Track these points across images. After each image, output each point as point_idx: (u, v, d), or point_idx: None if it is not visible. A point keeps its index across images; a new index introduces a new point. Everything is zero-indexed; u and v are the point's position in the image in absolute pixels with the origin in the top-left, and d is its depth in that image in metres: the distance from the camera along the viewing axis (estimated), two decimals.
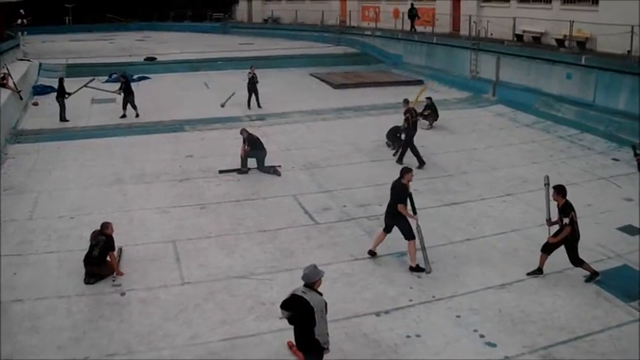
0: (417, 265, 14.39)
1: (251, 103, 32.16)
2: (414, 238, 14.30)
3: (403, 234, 14.42)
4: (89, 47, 55.35)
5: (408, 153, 22.61)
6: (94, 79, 32.63)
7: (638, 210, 18.09)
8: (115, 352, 11.44)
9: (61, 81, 30.04)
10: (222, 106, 31.59)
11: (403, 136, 23.61)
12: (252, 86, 31.92)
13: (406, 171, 14.49)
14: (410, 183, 14.53)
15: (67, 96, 29.43)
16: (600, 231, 16.56)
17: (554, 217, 13.98)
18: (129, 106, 29.82)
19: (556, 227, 13.93)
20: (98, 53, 50.71)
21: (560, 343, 11.69)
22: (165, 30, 73.76)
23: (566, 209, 13.65)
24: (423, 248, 14.44)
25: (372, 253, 15.14)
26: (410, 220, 14.40)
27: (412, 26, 48.34)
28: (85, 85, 31.05)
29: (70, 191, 19.78)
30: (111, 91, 31.02)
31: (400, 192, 14.31)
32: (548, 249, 14.00)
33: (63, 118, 29.43)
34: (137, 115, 29.81)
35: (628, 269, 14.57)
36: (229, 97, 32.09)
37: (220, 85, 38.84)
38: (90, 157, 23.47)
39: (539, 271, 14.17)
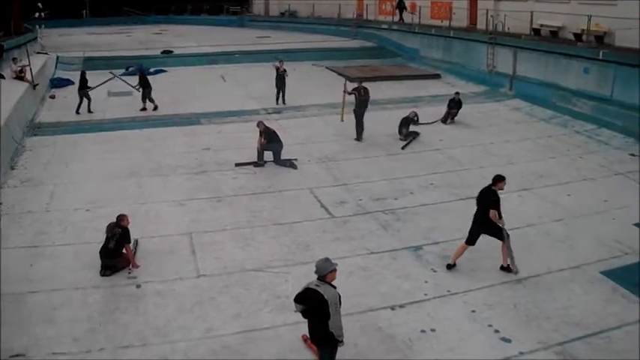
0: (508, 266, 14.18)
1: (279, 99, 31.66)
2: (508, 236, 14.03)
3: (497, 237, 14.06)
4: (106, 40, 55.48)
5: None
6: (113, 77, 32.64)
7: None
8: (130, 344, 11.51)
9: (83, 74, 30.16)
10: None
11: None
12: (281, 81, 31.32)
13: (499, 179, 13.96)
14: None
15: (88, 89, 29.53)
16: (617, 227, 16.50)
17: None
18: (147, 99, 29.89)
19: None
20: (115, 46, 50.82)
21: (576, 339, 11.67)
22: (182, 23, 73.83)
23: None
24: (509, 248, 14.09)
25: (452, 266, 14.52)
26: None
27: (400, 17, 51.90)
28: (107, 81, 31.08)
29: (86, 184, 19.85)
30: (132, 86, 31.01)
31: (492, 198, 13.87)
32: None
33: (89, 110, 29.66)
34: (155, 108, 29.88)
35: None
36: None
37: (237, 78, 38.92)
38: (106, 150, 23.55)
39: None
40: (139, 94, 30.27)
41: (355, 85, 25.77)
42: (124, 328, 12.02)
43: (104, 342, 11.55)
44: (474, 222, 14.16)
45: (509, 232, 14.07)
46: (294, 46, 50.01)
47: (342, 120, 27.31)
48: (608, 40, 32.59)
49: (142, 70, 30.75)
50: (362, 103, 25.04)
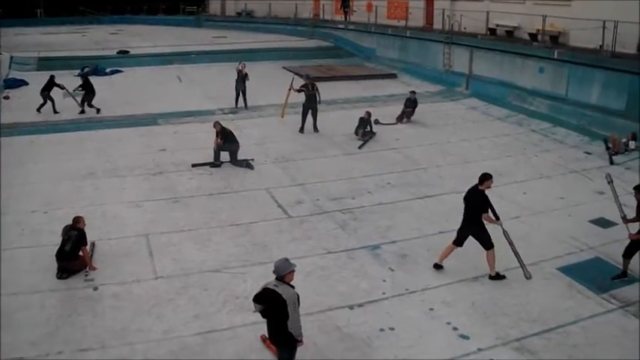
0: (497, 273, 13.88)
1: (238, 102, 30.95)
2: (492, 246, 13.67)
3: (482, 244, 13.73)
4: (61, 40, 54.70)
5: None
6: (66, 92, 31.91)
7: (609, 203, 18.23)
8: (88, 347, 11.37)
9: (52, 77, 29.79)
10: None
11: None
12: (242, 84, 30.50)
13: (486, 177, 13.58)
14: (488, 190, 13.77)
15: (57, 86, 29.34)
16: (573, 224, 16.70)
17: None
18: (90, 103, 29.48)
19: (634, 226, 13.73)
20: (71, 46, 50.12)
21: (533, 335, 11.78)
22: (138, 23, 72.99)
23: None
24: (516, 253, 13.77)
25: (439, 267, 14.34)
26: (493, 225, 13.69)
27: (347, 16, 53.49)
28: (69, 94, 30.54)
29: (42, 185, 19.56)
30: (78, 102, 30.17)
31: (480, 199, 13.56)
32: (630, 251, 13.73)
33: (54, 111, 29.28)
34: (98, 111, 29.40)
35: (600, 261, 14.68)
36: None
37: (193, 78, 38.75)
38: (63, 151, 23.24)
39: (624, 275, 13.89)
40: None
41: (303, 82, 26.91)
42: (82, 331, 11.87)
43: (62, 345, 11.40)
44: (462, 222, 13.96)
45: (508, 233, 13.79)
46: (251, 46, 49.83)
47: (282, 117, 27.91)
48: (563, 39, 32.98)
49: (86, 77, 30.32)
50: (309, 98, 26.01)
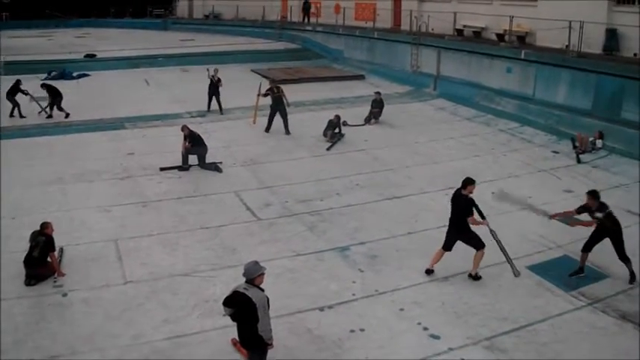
0: (477, 274, 13.92)
1: (210, 107, 30.55)
2: (484, 245, 13.63)
3: (474, 245, 13.68)
4: (27, 44, 54.10)
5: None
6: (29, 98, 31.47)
7: (577, 201, 18.36)
8: (58, 354, 11.23)
9: (18, 81, 29.51)
10: None
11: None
12: (215, 90, 30.10)
13: (469, 182, 13.56)
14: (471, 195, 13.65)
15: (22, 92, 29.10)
16: (541, 222, 16.71)
17: None
18: (57, 108, 29.11)
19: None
20: (36, 50, 49.64)
21: (503, 334, 11.83)
22: (105, 26, 72.46)
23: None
24: (503, 250, 13.65)
25: (430, 272, 14.18)
26: (480, 226, 13.60)
27: (307, 19, 54.73)
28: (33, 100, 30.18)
29: (10, 191, 19.22)
30: (42, 107, 29.87)
31: (465, 204, 13.47)
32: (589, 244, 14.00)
33: (20, 115, 29.07)
34: (67, 115, 29.08)
35: (568, 259, 14.75)
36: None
37: (161, 81, 38.56)
38: (30, 157, 22.93)
39: (581, 271, 14.09)
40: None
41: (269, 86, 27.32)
42: (52, 337, 11.72)
43: (32, 353, 11.25)
44: (449, 226, 13.94)
45: (496, 233, 13.69)
46: (219, 48, 49.68)
47: (254, 122, 27.64)
48: (530, 40, 33.33)
49: (45, 85, 30.01)
50: (275, 100, 26.37)
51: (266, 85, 27.99)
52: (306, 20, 54.58)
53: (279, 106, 26.31)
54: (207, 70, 30.54)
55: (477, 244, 13.65)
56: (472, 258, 13.87)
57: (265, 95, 26.60)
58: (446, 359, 11.20)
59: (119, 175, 20.99)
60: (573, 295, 13.24)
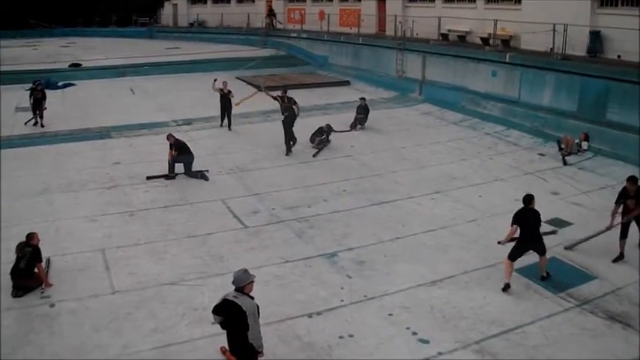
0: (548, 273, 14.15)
1: (224, 121, 29.17)
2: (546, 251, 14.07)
3: (543, 252, 13.94)
4: (12, 54, 53.78)
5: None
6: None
7: (564, 203, 18.43)
8: None
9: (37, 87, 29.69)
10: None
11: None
12: (227, 102, 28.74)
13: (533, 197, 13.90)
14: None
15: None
16: None
17: None
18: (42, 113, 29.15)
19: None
20: (22, 60, 49.55)
21: (492, 337, 11.82)
22: (90, 35, 72.32)
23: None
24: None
25: (508, 286, 13.72)
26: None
27: (273, 25, 57.82)
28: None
29: None
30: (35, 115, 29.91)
31: (539, 215, 13.86)
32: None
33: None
34: (36, 123, 29.27)
35: (556, 261, 14.76)
36: None
37: (147, 90, 38.50)
38: (16, 167, 22.75)
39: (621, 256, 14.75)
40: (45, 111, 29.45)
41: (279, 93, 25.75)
42: (40, 349, 11.65)
43: None
44: (525, 238, 13.77)
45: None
46: (204, 56, 49.68)
47: (237, 104, 28.43)
48: (515, 43, 33.40)
49: (33, 88, 29.99)
50: (285, 109, 24.52)
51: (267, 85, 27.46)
52: (271, 27, 56.46)
53: (288, 119, 24.33)
54: (215, 80, 29.23)
55: (545, 249, 13.95)
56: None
57: (274, 98, 25.24)
58: None
59: (106, 184, 20.89)
60: (562, 297, 13.25)
